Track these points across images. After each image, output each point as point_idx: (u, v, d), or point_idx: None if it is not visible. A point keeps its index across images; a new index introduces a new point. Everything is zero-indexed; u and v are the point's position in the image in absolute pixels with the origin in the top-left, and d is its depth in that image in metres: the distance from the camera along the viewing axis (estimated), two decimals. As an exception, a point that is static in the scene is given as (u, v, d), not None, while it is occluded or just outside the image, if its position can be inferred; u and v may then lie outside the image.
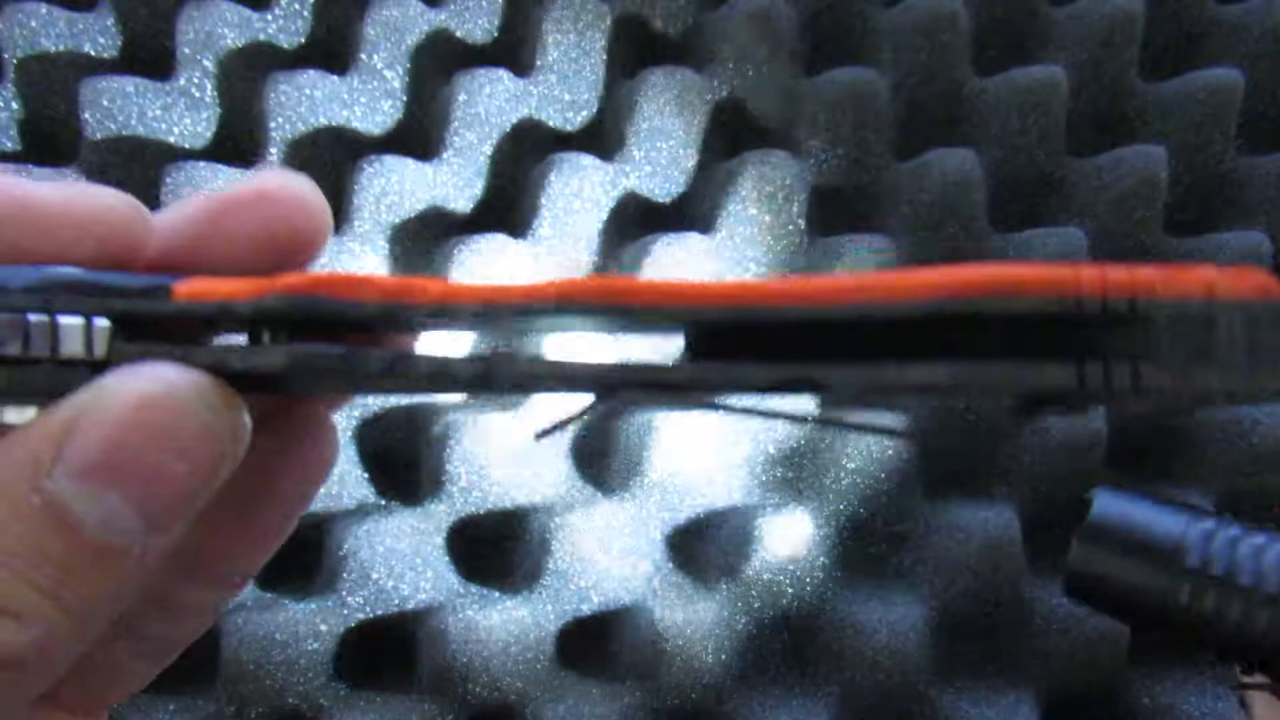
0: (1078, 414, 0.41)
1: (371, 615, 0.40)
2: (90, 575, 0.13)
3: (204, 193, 0.16)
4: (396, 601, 0.40)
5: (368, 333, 0.16)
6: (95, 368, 0.14)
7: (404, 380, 0.15)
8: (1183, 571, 0.27)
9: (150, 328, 0.15)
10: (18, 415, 0.14)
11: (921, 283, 0.13)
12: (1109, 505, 0.29)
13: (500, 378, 0.15)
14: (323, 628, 0.39)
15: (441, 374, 0.15)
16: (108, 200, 0.15)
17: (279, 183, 0.16)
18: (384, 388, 0.15)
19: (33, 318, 0.14)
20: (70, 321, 0.14)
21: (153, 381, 0.13)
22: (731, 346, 0.14)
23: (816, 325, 0.14)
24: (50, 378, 0.14)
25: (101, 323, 0.14)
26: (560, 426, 0.18)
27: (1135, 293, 0.13)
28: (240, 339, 0.15)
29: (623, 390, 0.15)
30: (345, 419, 0.42)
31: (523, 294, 0.14)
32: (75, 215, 0.15)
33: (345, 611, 0.39)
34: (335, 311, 0.14)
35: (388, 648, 0.40)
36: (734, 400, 0.15)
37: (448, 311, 0.14)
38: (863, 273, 0.14)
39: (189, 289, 0.15)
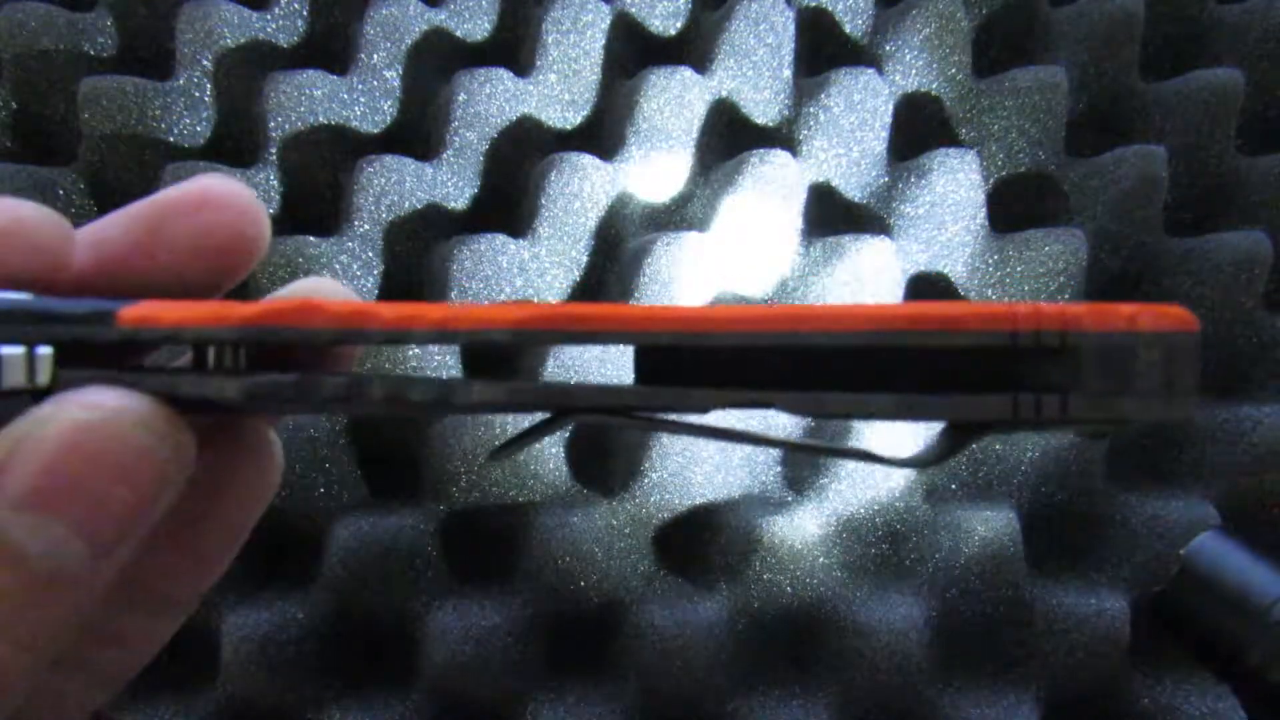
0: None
1: (365, 617, 0.40)
2: (38, 605, 0.13)
3: (143, 200, 0.15)
4: (387, 601, 0.40)
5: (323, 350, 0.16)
6: (39, 396, 0.14)
7: (360, 404, 0.15)
8: (1264, 627, 0.27)
9: (96, 352, 0.14)
10: None
11: (868, 315, 0.14)
12: (1215, 546, 0.29)
13: (456, 401, 0.15)
14: (321, 627, 0.39)
15: (397, 398, 0.15)
16: (27, 213, 0.15)
17: (220, 188, 0.15)
18: (340, 410, 0.15)
19: None
20: (11, 352, 0.14)
21: (88, 408, 0.13)
22: (684, 370, 0.15)
23: (766, 351, 0.15)
24: None
25: (44, 350, 0.14)
26: (515, 446, 0.18)
27: (1065, 326, 0.14)
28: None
29: (577, 412, 0.15)
30: (338, 419, 0.42)
31: (477, 320, 0.15)
32: None
33: (340, 611, 0.40)
34: (288, 340, 0.14)
35: (384, 647, 0.40)
36: (711, 424, 0.16)
37: (402, 337, 0.15)
38: (814, 305, 0.15)
39: (134, 314, 0.14)
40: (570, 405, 0.15)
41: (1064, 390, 0.14)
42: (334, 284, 0.17)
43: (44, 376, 0.14)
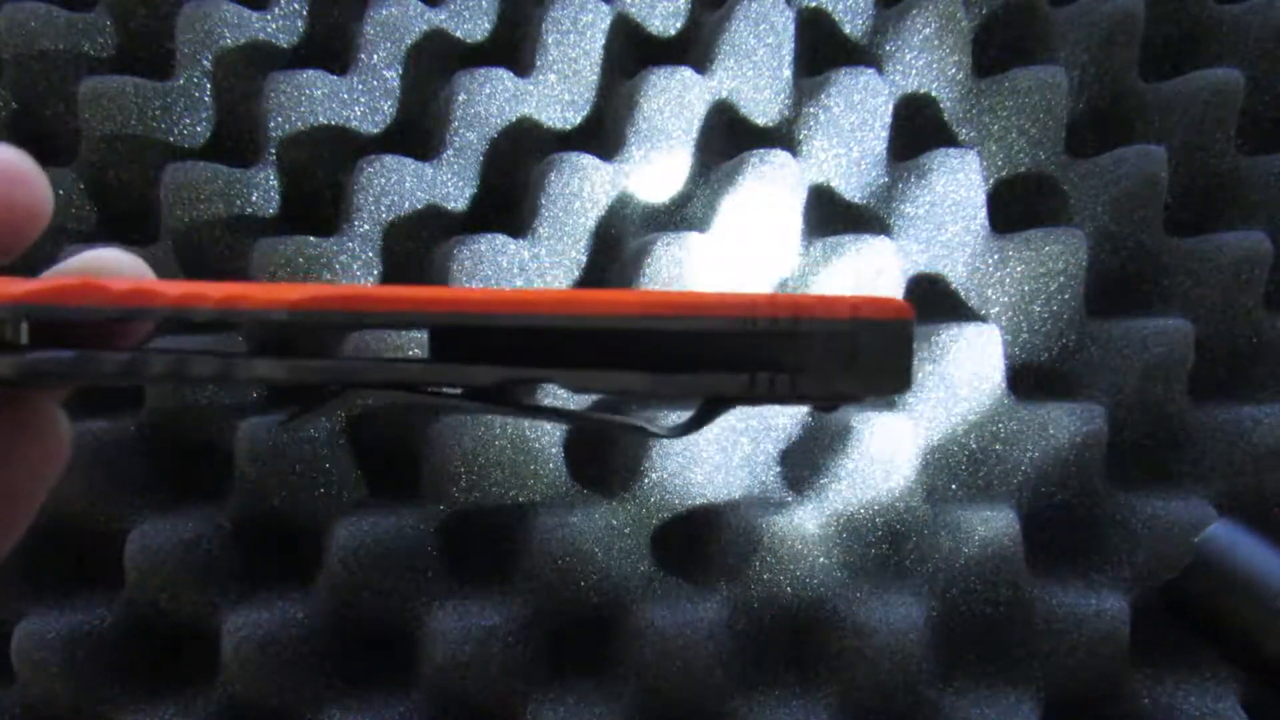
0: (1081, 411, 0.41)
1: (365, 617, 0.40)
2: None
3: None
4: (387, 601, 0.40)
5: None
6: None
7: (142, 378, 0.15)
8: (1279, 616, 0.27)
9: None
10: None
11: (628, 301, 0.16)
12: (1228, 535, 0.29)
13: (237, 376, 0.15)
14: (321, 627, 0.39)
15: (179, 372, 0.15)
16: None
17: None
18: (123, 383, 0.15)
19: None
20: None
21: None
22: (472, 349, 0.16)
23: (544, 332, 0.16)
24: None
25: None
26: (304, 419, 0.19)
27: (796, 313, 0.16)
28: None
29: (361, 386, 0.16)
30: (337, 418, 0.42)
31: (260, 300, 0.15)
32: None
33: (340, 611, 0.40)
34: (72, 317, 0.15)
35: (384, 647, 0.40)
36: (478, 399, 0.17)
37: (185, 314, 0.15)
38: (589, 290, 0.16)
39: None
40: (354, 380, 0.16)
41: (794, 370, 0.16)
42: (118, 254, 0.17)
43: None
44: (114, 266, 0.17)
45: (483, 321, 0.15)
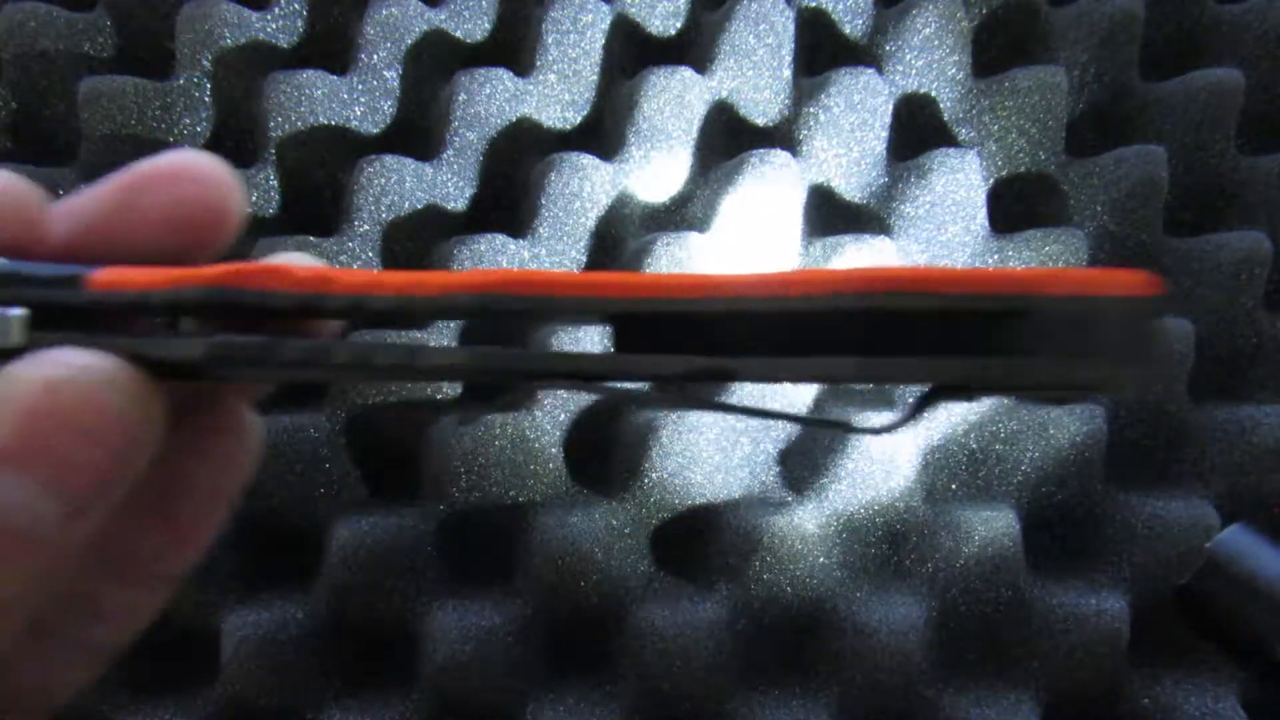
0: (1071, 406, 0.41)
1: (365, 617, 0.40)
2: (8, 562, 0.13)
3: (119, 172, 0.16)
4: (387, 601, 0.40)
5: (292, 319, 0.16)
6: (9, 356, 0.14)
7: (325, 369, 0.15)
8: None
9: (70, 317, 0.15)
10: None
11: (830, 279, 0.14)
12: (1242, 539, 0.29)
13: (420, 365, 0.15)
14: (321, 627, 0.39)
15: (361, 364, 0.15)
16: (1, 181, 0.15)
17: (194, 161, 0.16)
18: (306, 376, 0.15)
19: None
20: None
21: (60, 366, 0.13)
22: (654, 339, 0.15)
23: (733, 318, 0.15)
24: None
25: (16, 312, 0.14)
26: (481, 415, 0.18)
27: (1026, 290, 0.14)
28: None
29: (539, 378, 0.15)
30: (337, 418, 0.42)
31: (440, 286, 0.15)
32: None
33: (340, 611, 0.40)
34: (252, 303, 0.15)
35: (384, 647, 0.40)
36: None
37: (364, 303, 0.15)
38: (780, 270, 0.15)
39: (104, 278, 0.15)
40: (534, 371, 0.15)
41: (1026, 354, 0.14)
42: (307, 258, 0.17)
43: (15, 337, 0.14)
44: (304, 262, 0.17)
45: (677, 308, 0.14)
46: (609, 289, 0.14)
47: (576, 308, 0.15)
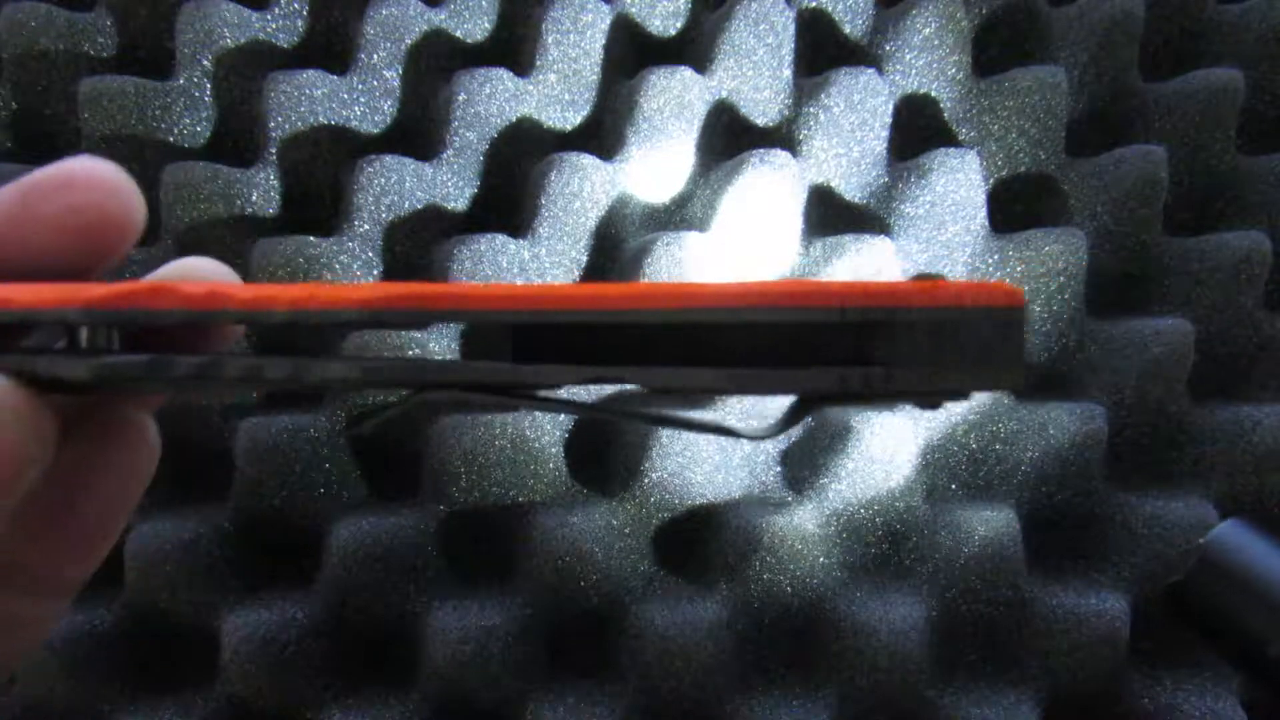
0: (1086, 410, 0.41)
1: (365, 617, 0.40)
2: None
3: (10, 183, 0.15)
4: (387, 601, 0.40)
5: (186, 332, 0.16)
6: None
7: (215, 383, 0.15)
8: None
9: None
10: None
11: (711, 293, 0.15)
12: (1235, 536, 0.29)
13: (310, 378, 0.15)
14: (321, 627, 0.39)
15: (252, 376, 0.15)
16: None
17: (86, 168, 0.15)
18: (197, 389, 0.15)
19: None
20: None
21: None
22: (550, 348, 0.15)
23: (623, 329, 0.15)
24: None
25: None
26: (373, 424, 0.19)
27: (894, 303, 0.15)
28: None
29: (434, 387, 0.15)
30: (337, 418, 0.42)
31: (331, 300, 0.15)
32: None
33: (340, 611, 0.40)
34: (141, 321, 0.15)
35: (384, 647, 0.40)
36: (554, 397, 0.16)
37: (256, 318, 0.15)
38: (666, 283, 0.15)
39: None
40: (427, 381, 0.15)
41: (891, 364, 0.15)
42: (212, 264, 0.17)
43: None
44: (202, 274, 0.17)
45: (562, 318, 0.15)
46: (498, 301, 0.15)
47: (466, 320, 0.15)
